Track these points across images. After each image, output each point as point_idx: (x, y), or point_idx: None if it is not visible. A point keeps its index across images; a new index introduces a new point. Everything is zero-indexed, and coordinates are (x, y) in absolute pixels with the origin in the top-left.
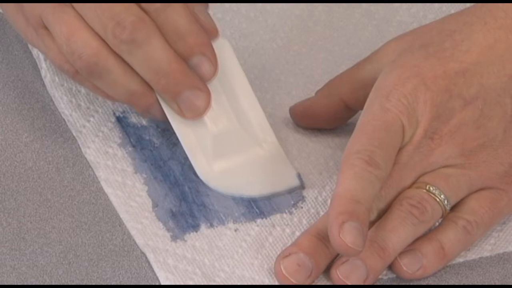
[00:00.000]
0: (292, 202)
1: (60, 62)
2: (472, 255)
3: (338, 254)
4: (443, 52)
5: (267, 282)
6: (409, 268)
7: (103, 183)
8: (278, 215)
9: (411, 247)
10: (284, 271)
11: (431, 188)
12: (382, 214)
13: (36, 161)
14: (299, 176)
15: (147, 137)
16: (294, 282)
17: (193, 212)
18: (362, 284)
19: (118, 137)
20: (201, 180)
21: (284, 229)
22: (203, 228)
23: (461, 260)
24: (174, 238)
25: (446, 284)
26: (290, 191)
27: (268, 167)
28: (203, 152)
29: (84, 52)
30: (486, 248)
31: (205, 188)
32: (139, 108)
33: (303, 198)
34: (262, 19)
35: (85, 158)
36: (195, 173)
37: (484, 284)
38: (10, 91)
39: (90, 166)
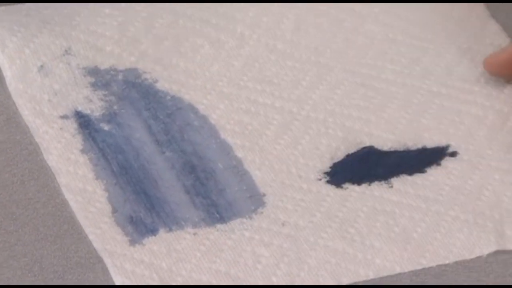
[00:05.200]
0: (253, 208)
1: None
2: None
3: None
4: None
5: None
6: None
7: (63, 189)
8: (238, 220)
9: None
10: None
11: None
12: None
13: (1, 174)
14: None
15: (110, 143)
16: None
17: (153, 217)
18: None
19: (80, 143)
20: (161, 186)
21: (243, 233)
22: (162, 232)
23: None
24: (133, 242)
25: (445, 284)
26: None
27: None
28: None
29: None
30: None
31: (165, 195)
32: None
33: (263, 204)
34: (232, 28)
35: (50, 170)
36: (156, 180)
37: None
38: None
39: (55, 179)
